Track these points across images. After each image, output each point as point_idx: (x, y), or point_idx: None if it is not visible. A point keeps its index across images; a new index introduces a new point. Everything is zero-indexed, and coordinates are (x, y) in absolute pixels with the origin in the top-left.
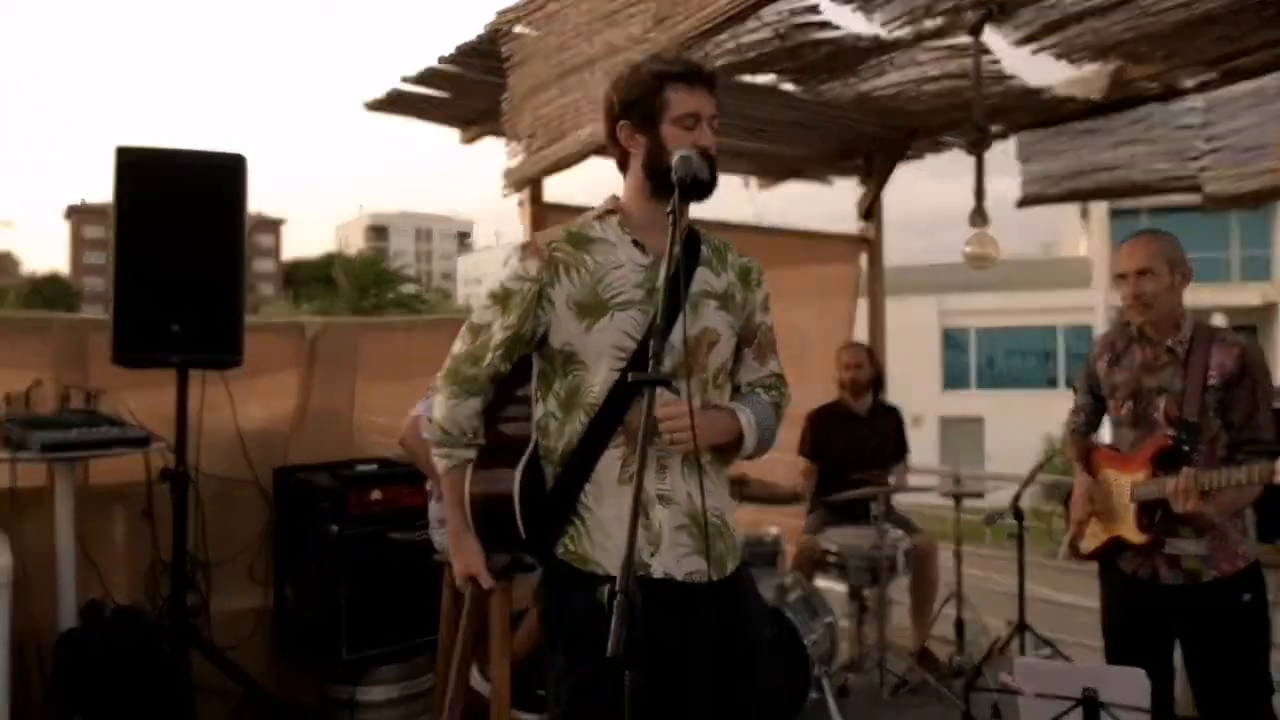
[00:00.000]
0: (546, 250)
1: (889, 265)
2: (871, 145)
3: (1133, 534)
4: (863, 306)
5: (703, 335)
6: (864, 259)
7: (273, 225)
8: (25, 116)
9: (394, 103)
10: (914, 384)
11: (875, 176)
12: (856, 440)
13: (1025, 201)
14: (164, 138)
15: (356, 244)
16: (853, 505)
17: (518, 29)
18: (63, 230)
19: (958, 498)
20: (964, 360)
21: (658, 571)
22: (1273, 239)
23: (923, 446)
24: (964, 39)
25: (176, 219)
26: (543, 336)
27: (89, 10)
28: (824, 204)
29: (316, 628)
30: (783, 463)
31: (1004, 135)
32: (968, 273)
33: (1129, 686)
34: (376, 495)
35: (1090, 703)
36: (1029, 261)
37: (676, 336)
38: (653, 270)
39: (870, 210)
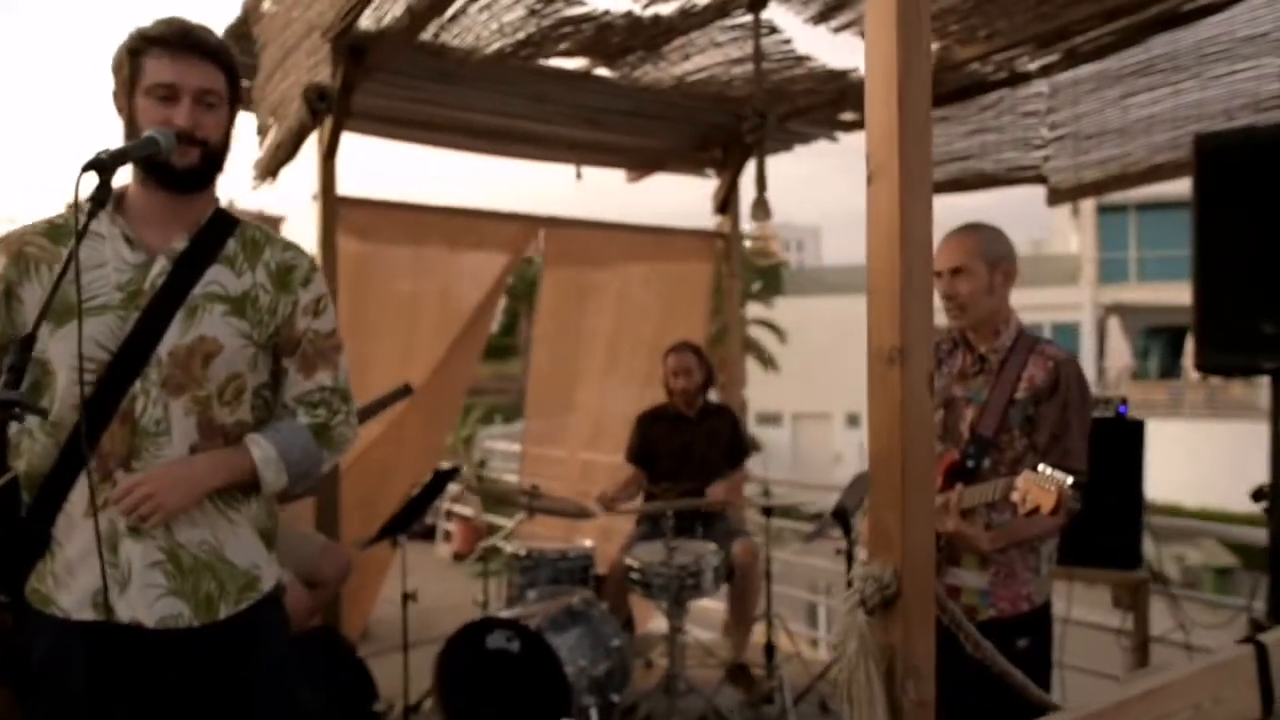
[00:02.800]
0: (18, 244)
1: (853, 263)
2: (724, 135)
3: None
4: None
5: (197, 345)
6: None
7: None
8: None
9: None
10: None
11: (729, 168)
12: (686, 445)
13: None
14: None
15: None
16: (680, 516)
17: (265, 6)
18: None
19: (767, 511)
20: None
21: (124, 616)
22: None
23: None
24: (745, 17)
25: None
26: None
27: None
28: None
29: None
30: (606, 467)
31: (859, 124)
32: None
33: None
34: None
35: None
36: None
37: (165, 347)
38: (143, 270)
39: (726, 204)
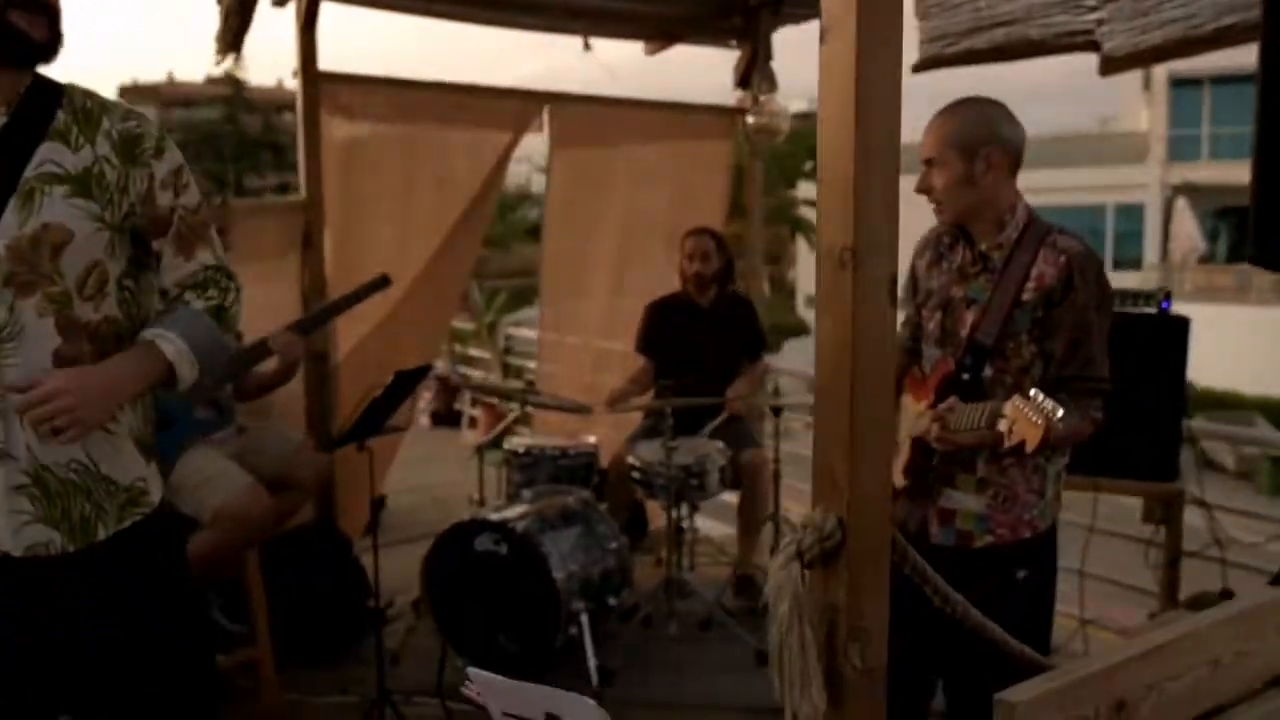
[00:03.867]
0: None
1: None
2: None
3: (898, 476)
4: None
5: (41, 235)
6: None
7: None
8: None
9: None
10: None
11: (749, 38)
12: (699, 336)
13: (921, 65)
14: None
15: None
16: (689, 412)
17: None
18: None
19: (776, 410)
20: None
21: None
22: None
23: None
24: None
25: None
26: None
27: None
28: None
29: None
30: (620, 356)
31: None
32: None
33: (584, 717)
34: None
35: None
36: (1080, 136)
37: (1, 238)
38: None
39: (748, 77)
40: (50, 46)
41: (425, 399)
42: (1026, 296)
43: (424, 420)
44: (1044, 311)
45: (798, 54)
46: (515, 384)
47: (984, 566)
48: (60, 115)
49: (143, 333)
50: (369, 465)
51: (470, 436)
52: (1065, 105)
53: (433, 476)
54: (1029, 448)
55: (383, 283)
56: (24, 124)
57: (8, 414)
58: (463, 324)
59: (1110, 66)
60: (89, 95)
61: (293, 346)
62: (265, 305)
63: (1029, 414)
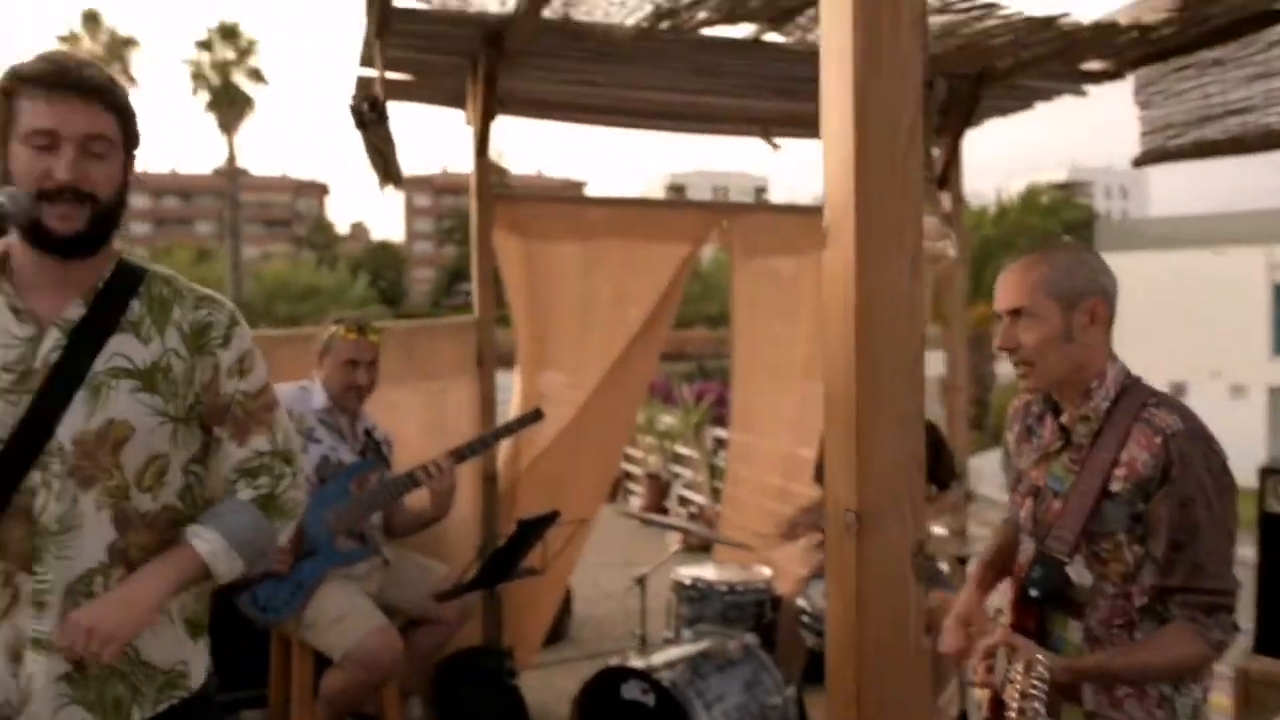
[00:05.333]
0: None
1: (1183, 213)
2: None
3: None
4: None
5: (105, 430)
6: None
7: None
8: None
9: None
10: (1235, 348)
11: (944, 135)
12: None
13: (1143, 160)
14: None
15: None
16: None
17: None
18: (398, 198)
19: (963, 559)
20: None
21: None
22: None
23: (1247, 423)
24: None
25: None
26: None
27: None
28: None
29: None
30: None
31: (1118, 74)
32: None
33: None
34: None
35: None
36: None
37: (67, 433)
38: (33, 345)
39: (945, 177)
40: (85, 239)
41: (637, 494)
42: (1116, 487)
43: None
44: (1142, 504)
45: (1050, 120)
46: (719, 485)
47: None
48: (135, 305)
49: (186, 529)
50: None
51: (634, 503)
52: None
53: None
54: None
55: (536, 416)
56: (99, 316)
57: (50, 606)
58: (671, 419)
59: None
60: (167, 282)
61: (444, 476)
62: (439, 425)
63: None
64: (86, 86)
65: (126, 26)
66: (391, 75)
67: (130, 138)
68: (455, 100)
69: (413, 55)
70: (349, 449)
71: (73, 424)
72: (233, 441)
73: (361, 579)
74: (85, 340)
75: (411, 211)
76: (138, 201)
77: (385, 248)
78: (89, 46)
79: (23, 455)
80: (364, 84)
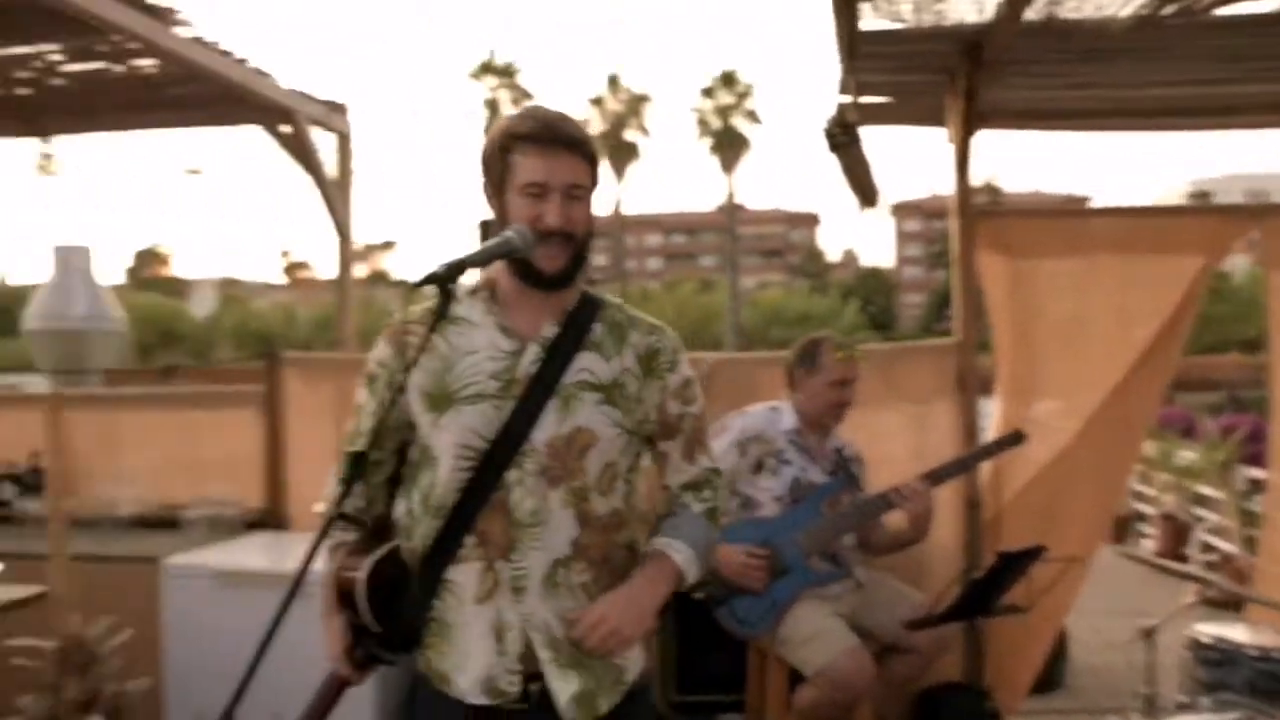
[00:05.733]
0: (401, 333)
1: None
2: None
3: None
4: None
5: (574, 436)
6: None
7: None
8: None
9: None
10: None
11: None
12: None
13: None
14: None
15: None
16: None
17: None
18: (889, 224)
19: None
20: None
21: (522, 694)
22: None
23: None
24: None
25: None
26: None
27: None
28: None
29: None
30: None
31: None
32: None
33: None
34: None
35: None
36: None
37: (541, 436)
38: (515, 357)
39: None
40: (567, 274)
41: (1150, 537)
42: None
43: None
44: None
45: None
46: (1253, 533)
47: None
48: (597, 328)
49: (654, 540)
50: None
51: (1146, 547)
52: None
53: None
54: None
55: (1016, 439)
56: (569, 335)
57: (529, 591)
58: (1192, 454)
59: None
60: (620, 309)
61: (918, 498)
62: (919, 449)
63: None
64: (570, 141)
65: (640, 84)
66: (867, 100)
67: (595, 182)
68: (934, 118)
69: (887, 77)
70: (819, 469)
71: (546, 428)
72: (684, 459)
73: (834, 600)
74: (558, 355)
75: (901, 237)
76: (651, 239)
77: (875, 274)
78: (611, 105)
79: (504, 455)
80: (841, 110)
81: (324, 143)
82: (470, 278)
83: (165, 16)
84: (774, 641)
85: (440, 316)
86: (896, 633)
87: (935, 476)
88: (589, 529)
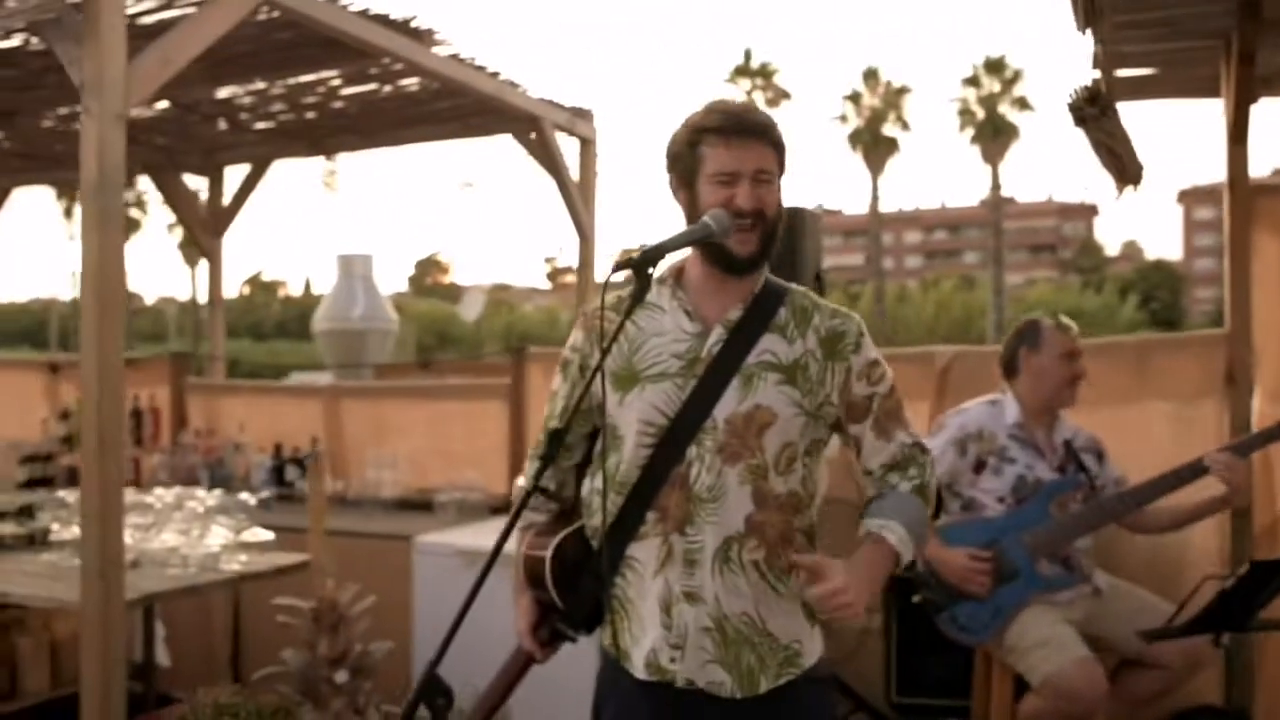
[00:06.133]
0: (593, 319)
1: None
2: None
3: None
4: None
5: (753, 414)
6: None
7: None
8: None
9: None
10: None
11: None
12: None
13: None
14: None
15: None
16: None
17: None
18: (1176, 213)
19: None
20: None
21: (680, 679)
22: None
23: None
24: None
25: None
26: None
27: None
28: None
29: None
30: None
31: None
32: None
33: None
34: None
35: None
36: None
37: (722, 413)
38: (700, 339)
39: None
40: (757, 259)
41: None
42: None
43: None
44: None
45: None
46: None
47: None
48: (782, 312)
49: (865, 523)
50: None
51: None
52: None
53: None
54: None
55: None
56: (753, 318)
57: (700, 564)
58: None
59: None
60: (805, 295)
61: (1234, 469)
62: (1178, 451)
63: None
64: (757, 130)
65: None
66: (1126, 73)
67: (783, 168)
68: (1208, 89)
69: (1148, 46)
70: (1046, 465)
71: (726, 406)
72: (879, 439)
73: (1065, 606)
74: (742, 337)
75: (1190, 226)
76: (910, 236)
77: (1160, 267)
78: (868, 100)
79: (685, 431)
80: (1094, 85)
81: (569, 148)
82: (660, 268)
83: (426, 38)
84: (1000, 647)
85: (637, 300)
86: (1139, 646)
87: (1241, 449)
88: (765, 508)
